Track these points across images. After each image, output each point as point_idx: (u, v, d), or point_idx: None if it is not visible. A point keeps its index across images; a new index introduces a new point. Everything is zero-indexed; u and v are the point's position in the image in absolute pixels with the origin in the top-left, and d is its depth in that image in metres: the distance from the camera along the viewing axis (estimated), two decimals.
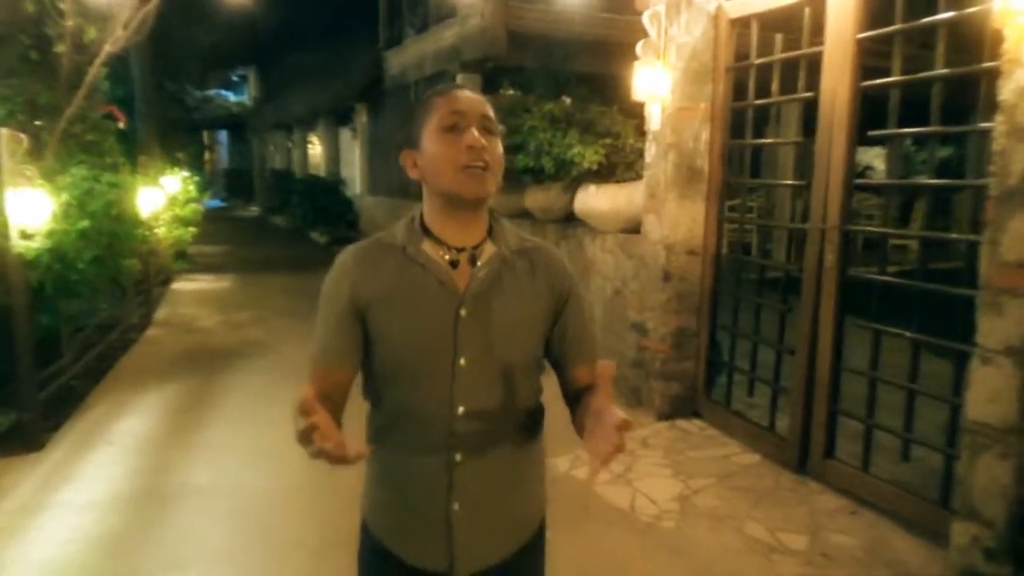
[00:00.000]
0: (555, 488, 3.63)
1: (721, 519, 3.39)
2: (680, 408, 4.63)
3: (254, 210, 24.61)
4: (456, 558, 1.39)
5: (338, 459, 1.13)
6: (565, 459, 4.04)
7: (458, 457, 1.36)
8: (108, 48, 4.71)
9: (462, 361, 1.34)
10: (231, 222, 20.42)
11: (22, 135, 3.99)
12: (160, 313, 8.04)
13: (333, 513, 3.30)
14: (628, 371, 4.91)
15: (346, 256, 1.42)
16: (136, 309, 7.22)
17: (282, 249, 14.79)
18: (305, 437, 1.11)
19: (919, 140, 9.69)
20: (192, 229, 8.17)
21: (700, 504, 3.54)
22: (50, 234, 4.16)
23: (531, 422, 1.45)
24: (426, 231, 1.39)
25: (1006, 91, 2.46)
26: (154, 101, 10.97)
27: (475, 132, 1.31)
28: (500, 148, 1.37)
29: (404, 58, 12.59)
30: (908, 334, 3.18)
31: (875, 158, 15.56)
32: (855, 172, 3.52)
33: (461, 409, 1.35)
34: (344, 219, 15.78)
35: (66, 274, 4.32)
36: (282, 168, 23.23)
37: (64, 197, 4.25)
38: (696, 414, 4.64)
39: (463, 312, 1.35)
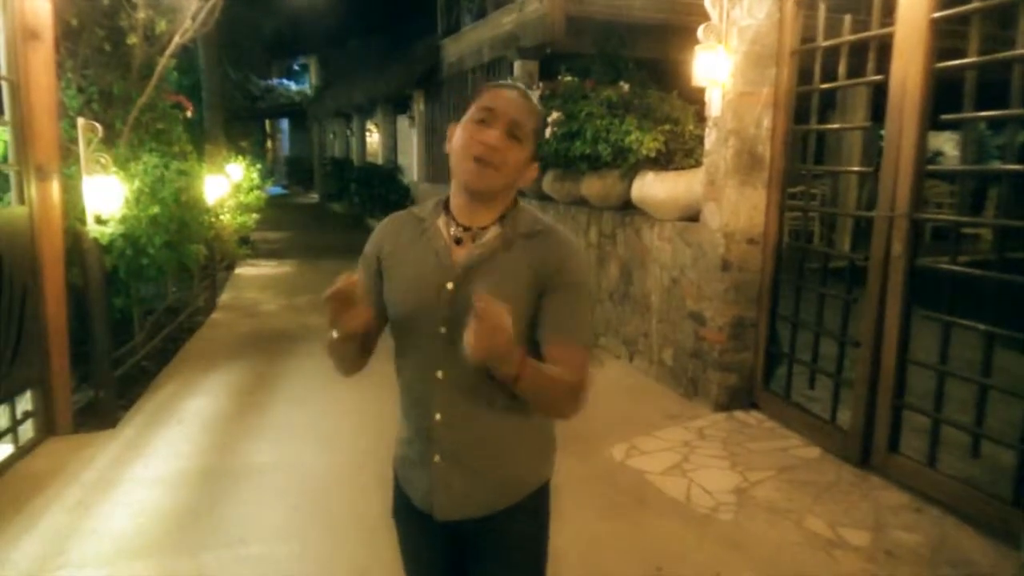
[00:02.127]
0: (610, 478, 3.65)
1: (780, 512, 3.34)
2: (738, 399, 4.56)
3: (313, 197, 25.13)
4: (433, 504, 1.53)
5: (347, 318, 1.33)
6: (620, 449, 4.03)
7: (437, 416, 1.49)
8: (178, 40, 4.87)
9: (442, 329, 1.44)
10: (291, 209, 20.89)
11: (97, 124, 4.14)
12: (224, 297, 8.29)
13: (381, 496, 3.37)
14: (686, 361, 4.86)
15: (385, 220, 1.61)
16: (202, 293, 7.45)
17: (340, 235, 15.06)
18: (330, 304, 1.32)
19: (995, 124, 9.25)
20: (255, 216, 8.38)
21: (758, 496, 3.49)
22: (123, 220, 4.33)
23: (504, 393, 1.41)
24: (447, 208, 1.51)
25: None
26: (219, 90, 11.25)
27: (497, 132, 1.40)
28: (521, 155, 1.44)
29: (461, 45, 12.62)
30: (981, 326, 3.06)
31: (945, 143, 14.94)
32: (926, 158, 3.39)
33: (439, 374, 1.47)
34: (401, 206, 15.90)
35: (137, 258, 4.49)
36: (341, 156, 23.61)
37: (136, 184, 4.41)
38: (754, 406, 4.56)
39: (449, 285, 1.44)
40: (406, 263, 1.50)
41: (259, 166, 10.20)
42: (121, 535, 3.13)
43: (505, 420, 1.50)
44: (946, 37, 3.35)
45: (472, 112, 1.43)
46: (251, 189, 8.41)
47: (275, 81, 27.89)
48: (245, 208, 8.12)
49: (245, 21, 13.66)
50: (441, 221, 1.50)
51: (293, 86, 29.43)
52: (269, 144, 31.89)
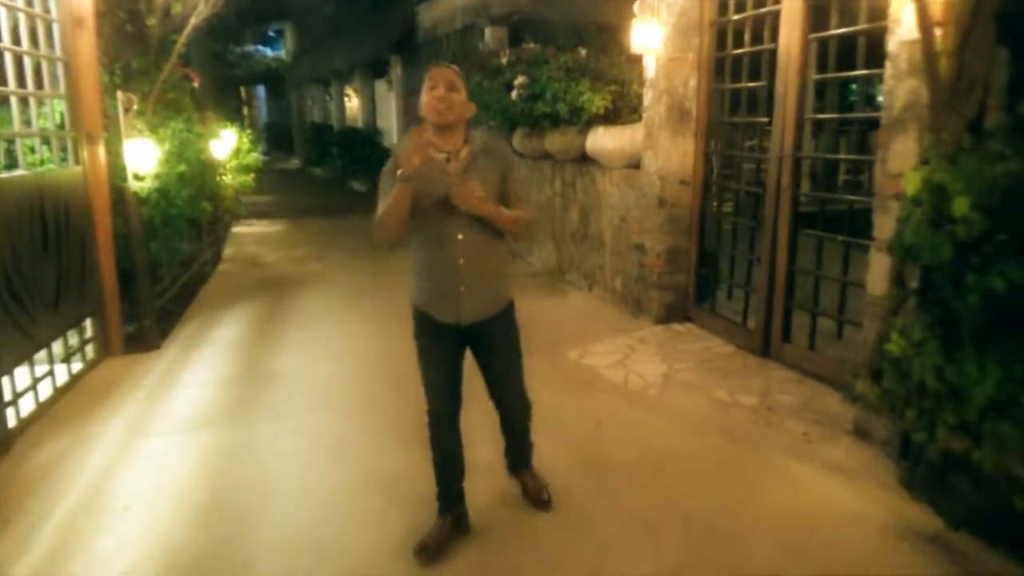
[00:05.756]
0: (567, 370, 4.65)
1: (694, 388, 4.32)
2: (674, 314, 5.52)
3: (294, 163, 25.69)
4: (460, 315, 2.59)
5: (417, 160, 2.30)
6: (576, 352, 4.98)
7: (461, 261, 2.54)
8: (193, 21, 5.64)
9: (459, 208, 2.46)
10: (275, 174, 21.46)
11: (134, 96, 4.95)
12: (227, 252, 9.13)
13: (386, 388, 4.34)
14: (632, 285, 5.81)
15: (391, 159, 2.57)
16: (208, 248, 8.28)
17: (326, 197, 15.83)
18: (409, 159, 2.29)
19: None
20: (253, 176, 9.16)
21: (679, 379, 4.47)
22: (157, 176, 5.15)
23: (497, 241, 2.60)
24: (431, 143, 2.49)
25: (891, 44, 3.25)
26: (208, 61, 11.89)
27: (441, 90, 2.48)
28: (461, 96, 2.52)
29: (435, 12, 13.29)
30: (840, 237, 4.03)
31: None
32: (804, 109, 4.31)
33: (460, 236, 2.52)
34: (383, 168, 16.65)
35: (168, 209, 5.33)
36: (320, 121, 24.13)
37: (167, 146, 5.22)
38: (688, 318, 5.53)
39: (459, 183, 2.46)
40: (422, 176, 2.38)
41: (249, 132, 10.92)
42: (186, 416, 4.06)
43: (496, 256, 2.62)
44: (822, 14, 4.23)
45: (425, 84, 2.52)
46: (250, 151, 9.18)
47: (251, 48, 28.13)
48: (246, 168, 8.91)
49: None
50: (431, 149, 2.44)
51: (269, 52, 29.66)
52: (246, 111, 32.14)
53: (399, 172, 2.33)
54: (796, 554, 2.71)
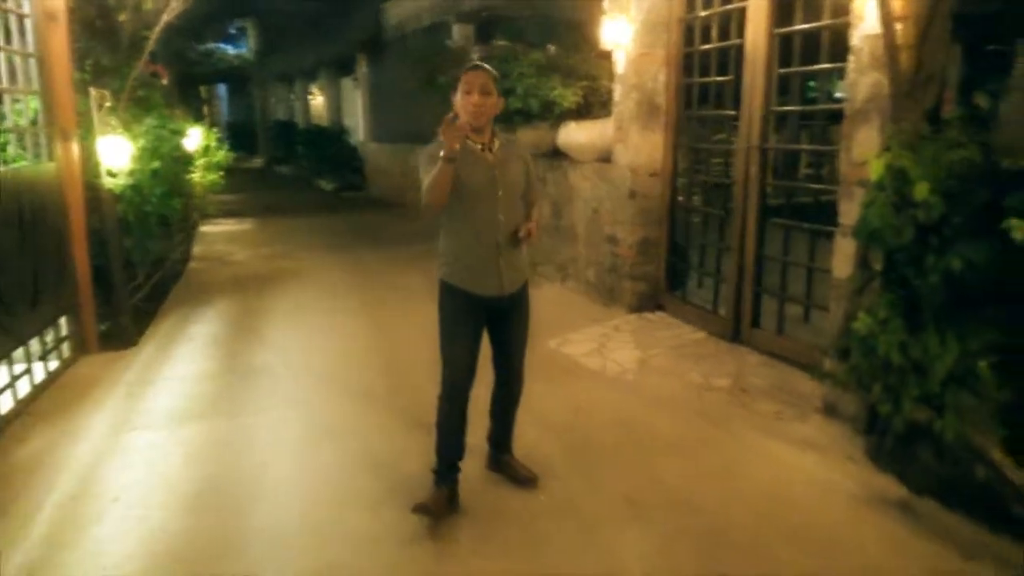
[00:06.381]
0: (547, 359, 4.76)
1: (669, 373, 4.46)
2: (646, 303, 5.67)
3: (258, 162, 25.39)
4: (503, 286, 2.88)
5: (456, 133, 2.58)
6: (555, 342, 5.09)
7: (500, 240, 2.84)
8: (166, 18, 5.62)
9: (500, 192, 2.83)
10: (239, 173, 21.12)
11: (107, 93, 4.93)
12: (197, 250, 9.06)
13: (369, 377, 4.41)
14: (605, 276, 5.94)
15: (426, 148, 2.83)
16: (178, 246, 8.22)
17: (293, 196, 15.76)
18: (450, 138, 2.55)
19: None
20: (222, 173, 9.11)
21: (654, 364, 4.61)
22: (131, 173, 5.14)
23: (521, 223, 2.90)
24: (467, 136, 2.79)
25: (855, 39, 3.41)
26: (171, 58, 11.75)
27: (477, 96, 2.75)
28: (493, 99, 2.81)
29: (402, 10, 13.28)
30: (806, 225, 4.20)
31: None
32: (771, 102, 4.47)
33: (501, 218, 2.83)
34: (349, 166, 16.61)
35: (143, 206, 5.31)
36: (285, 119, 23.91)
37: (141, 143, 5.21)
38: (660, 307, 5.68)
39: (496, 171, 2.82)
40: (463, 164, 2.69)
41: (215, 130, 10.82)
42: (170, 410, 4.08)
43: (522, 240, 2.91)
44: (787, 10, 4.39)
45: (461, 87, 2.77)
46: (219, 148, 9.12)
47: (213, 46, 27.72)
48: (216, 166, 8.85)
49: None
50: (469, 141, 2.76)
51: (231, 50, 29.26)
52: (206, 110, 31.67)
53: (442, 153, 2.57)
54: (773, 523, 2.86)
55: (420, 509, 2.83)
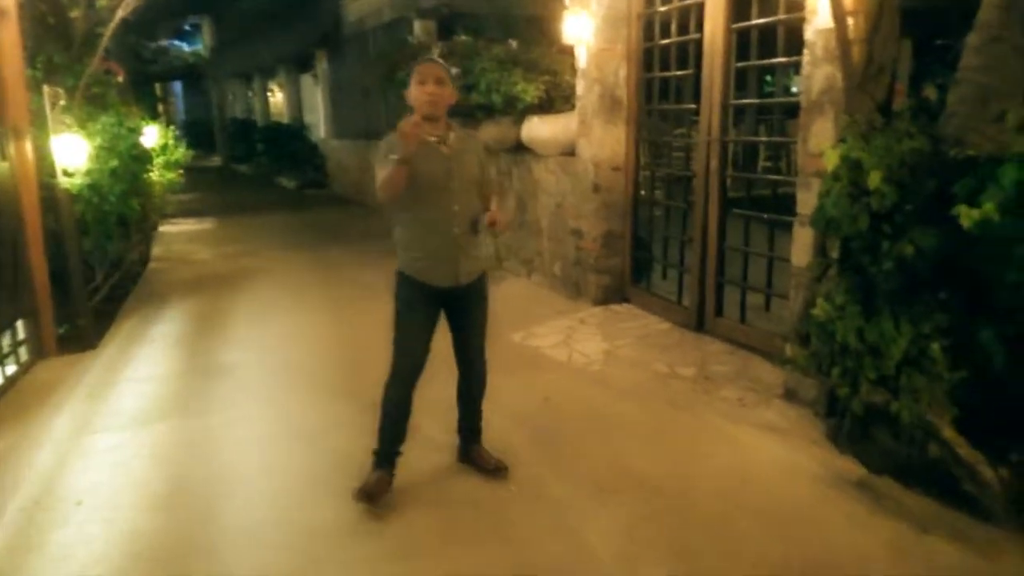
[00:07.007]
0: (512, 352, 4.79)
1: (635, 363, 4.53)
2: (612, 295, 5.74)
3: (216, 160, 24.97)
4: (459, 276, 2.92)
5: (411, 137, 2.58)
6: (519, 335, 5.12)
7: (456, 230, 2.89)
8: (121, 13, 5.51)
9: (455, 184, 2.87)
10: (197, 172, 20.74)
11: (60, 90, 4.82)
12: (156, 251, 8.91)
13: (334, 374, 4.41)
14: (571, 269, 6.00)
15: (384, 140, 2.85)
16: (137, 246, 8.06)
17: (254, 194, 15.55)
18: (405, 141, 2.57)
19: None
20: (181, 171, 8.96)
21: (620, 355, 4.67)
22: (88, 172, 5.04)
23: (479, 213, 2.97)
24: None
25: (808, 33, 3.51)
26: (124, 56, 11.52)
27: (431, 85, 2.80)
28: (448, 90, 2.85)
29: (362, 5, 13.19)
30: (765, 216, 4.30)
31: None
32: (729, 96, 4.56)
33: (456, 208, 2.88)
34: (311, 163, 16.44)
35: (101, 205, 5.22)
36: (244, 117, 23.55)
37: (98, 141, 5.11)
38: (625, 299, 5.75)
39: (452, 163, 2.87)
40: (418, 157, 2.69)
41: (173, 128, 10.63)
42: (134, 411, 4.02)
43: (478, 228, 2.96)
44: (744, 4, 4.47)
45: (414, 78, 2.83)
46: (177, 147, 8.96)
47: (167, 43, 27.19)
48: (175, 164, 8.70)
49: None
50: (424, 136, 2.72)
51: (185, 47, 28.72)
52: (161, 108, 31.03)
53: (396, 156, 2.62)
54: (737, 504, 2.93)
55: (362, 496, 2.90)
